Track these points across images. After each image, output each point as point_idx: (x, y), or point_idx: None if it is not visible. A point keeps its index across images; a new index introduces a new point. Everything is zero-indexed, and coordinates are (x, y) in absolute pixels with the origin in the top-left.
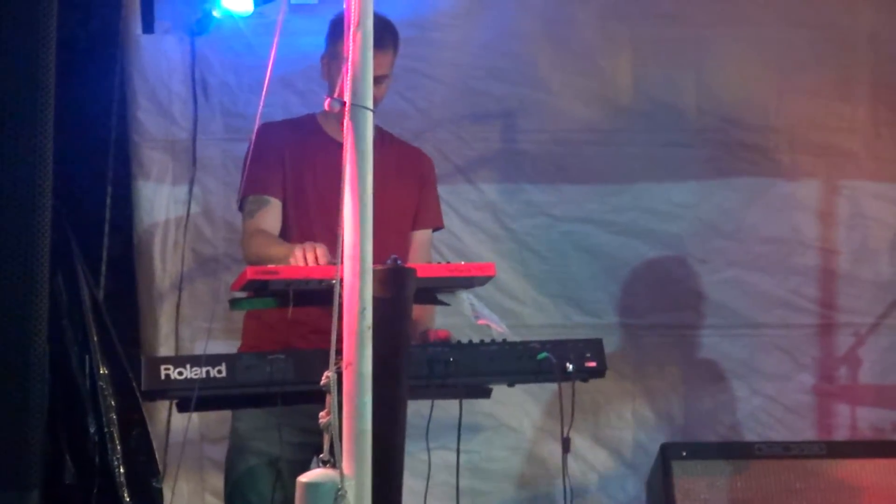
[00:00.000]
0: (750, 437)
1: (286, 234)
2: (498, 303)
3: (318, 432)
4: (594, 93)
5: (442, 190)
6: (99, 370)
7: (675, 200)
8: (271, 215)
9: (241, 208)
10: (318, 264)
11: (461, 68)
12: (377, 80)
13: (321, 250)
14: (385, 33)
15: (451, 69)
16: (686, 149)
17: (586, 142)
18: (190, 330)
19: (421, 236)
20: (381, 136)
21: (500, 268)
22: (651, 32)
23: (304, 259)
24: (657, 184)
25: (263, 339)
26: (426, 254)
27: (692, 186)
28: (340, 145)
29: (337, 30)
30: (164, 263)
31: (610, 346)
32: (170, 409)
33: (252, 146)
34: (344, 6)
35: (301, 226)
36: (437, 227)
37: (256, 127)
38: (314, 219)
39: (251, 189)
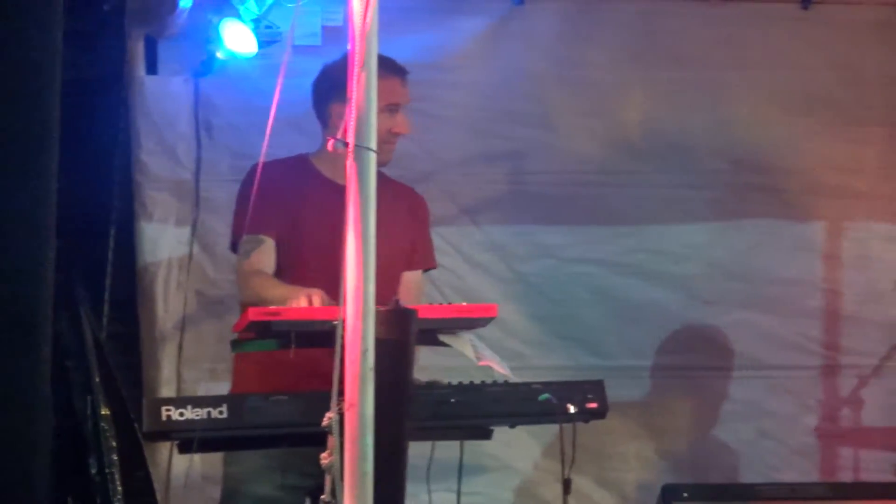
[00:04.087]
0: (754, 478)
1: (279, 275)
2: (505, 345)
3: (312, 475)
4: (604, 134)
5: (448, 231)
6: (101, 411)
7: (684, 242)
8: (267, 255)
9: (234, 248)
10: None
11: (471, 109)
12: (392, 107)
13: (318, 297)
14: (390, 61)
15: (461, 110)
16: (696, 190)
17: (596, 183)
18: (192, 371)
19: (411, 277)
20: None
21: (506, 309)
22: (663, 74)
23: (306, 304)
24: (667, 225)
25: (255, 382)
26: (416, 295)
27: (702, 228)
28: (335, 185)
29: (327, 77)
30: (167, 304)
31: (617, 387)
32: (171, 450)
33: (244, 186)
34: (347, 47)
35: (295, 267)
36: (430, 267)
37: (255, 167)
38: (308, 260)
39: (246, 229)
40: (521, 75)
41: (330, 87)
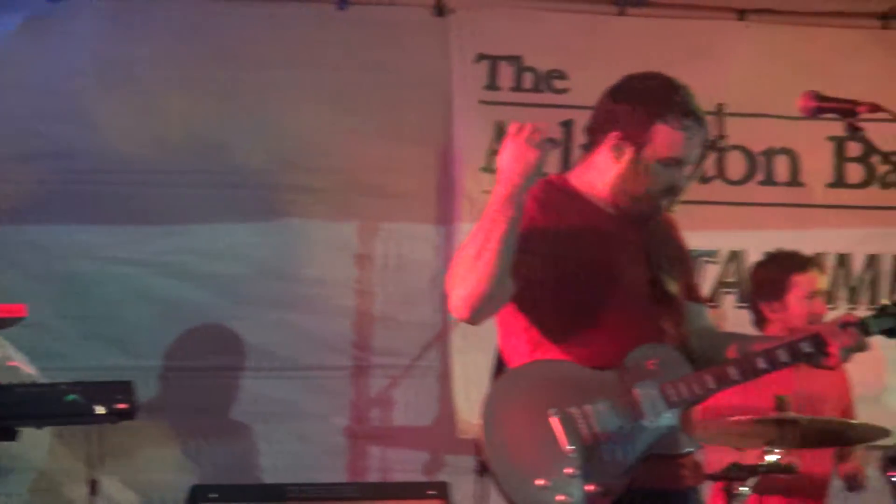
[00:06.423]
0: (285, 478)
1: None
2: (37, 345)
3: None
4: (146, 133)
5: None
6: None
7: (222, 242)
8: None
9: None
10: None
11: (11, 108)
12: None
13: None
14: None
15: (1, 109)
16: (238, 190)
17: (137, 183)
18: None
19: None
20: None
21: (41, 309)
22: (206, 73)
23: None
24: (208, 225)
25: None
26: None
27: (240, 228)
28: None
29: None
30: None
31: (150, 388)
32: None
33: None
34: None
35: None
36: None
37: None
38: None
39: None
40: (64, 74)
41: None
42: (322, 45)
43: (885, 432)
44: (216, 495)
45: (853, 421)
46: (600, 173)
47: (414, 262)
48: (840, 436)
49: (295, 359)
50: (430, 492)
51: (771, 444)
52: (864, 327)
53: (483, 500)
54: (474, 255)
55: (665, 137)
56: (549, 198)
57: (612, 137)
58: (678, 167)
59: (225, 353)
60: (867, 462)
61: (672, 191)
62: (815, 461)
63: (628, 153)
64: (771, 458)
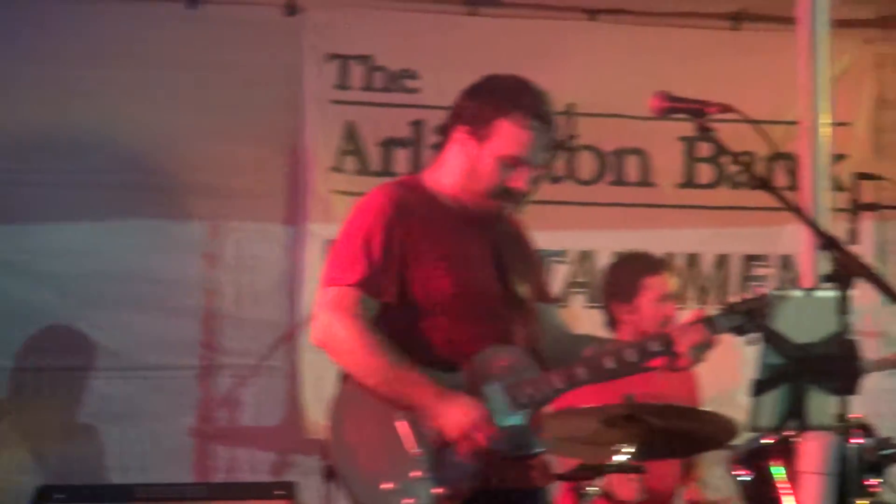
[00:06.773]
0: (132, 479)
1: None
2: None
3: None
4: None
5: None
6: None
7: (66, 241)
8: None
9: None
10: None
11: None
12: None
13: None
14: None
15: None
16: (86, 189)
17: None
18: None
19: None
20: None
21: None
22: (52, 71)
23: None
24: (53, 224)
25: None
26: None
27: (85, 227)
28: None
29: None
30: None
31: None
32: None
33: None
34: None
35: None
36: None
37: None
38: None
39: None
40: None
41: None
42: (172, 45)
43: (732, 425)
44: (63, 496)
45: (701, 409)
46: (448, 170)
47: (263, 262)
48: (689, 438)
49: (143, 358)
50: (277, 492)
51: (620, 442)
52: (711, 324)
53: (330, 502)
54: (374, 371)
55: (507, 134)
56: (402, 199)
57: (459, 132)
58: (519, 167)
59: (72, 353)
60: (715, 462)
61: (511, 192)
62: (660, 479)
63: (471, 147)
64: (619, 458)
